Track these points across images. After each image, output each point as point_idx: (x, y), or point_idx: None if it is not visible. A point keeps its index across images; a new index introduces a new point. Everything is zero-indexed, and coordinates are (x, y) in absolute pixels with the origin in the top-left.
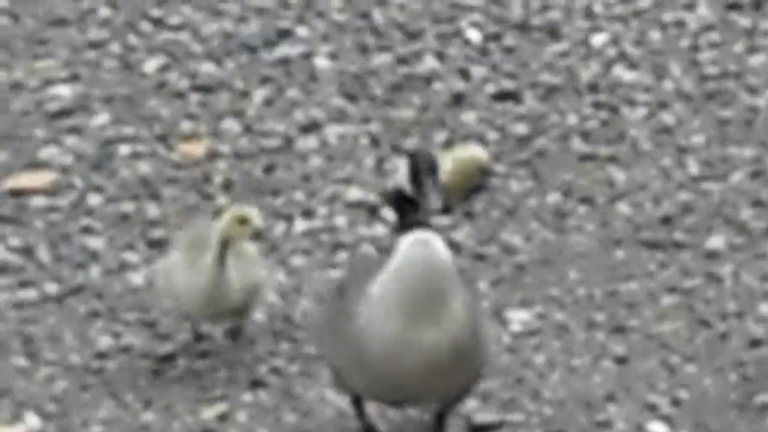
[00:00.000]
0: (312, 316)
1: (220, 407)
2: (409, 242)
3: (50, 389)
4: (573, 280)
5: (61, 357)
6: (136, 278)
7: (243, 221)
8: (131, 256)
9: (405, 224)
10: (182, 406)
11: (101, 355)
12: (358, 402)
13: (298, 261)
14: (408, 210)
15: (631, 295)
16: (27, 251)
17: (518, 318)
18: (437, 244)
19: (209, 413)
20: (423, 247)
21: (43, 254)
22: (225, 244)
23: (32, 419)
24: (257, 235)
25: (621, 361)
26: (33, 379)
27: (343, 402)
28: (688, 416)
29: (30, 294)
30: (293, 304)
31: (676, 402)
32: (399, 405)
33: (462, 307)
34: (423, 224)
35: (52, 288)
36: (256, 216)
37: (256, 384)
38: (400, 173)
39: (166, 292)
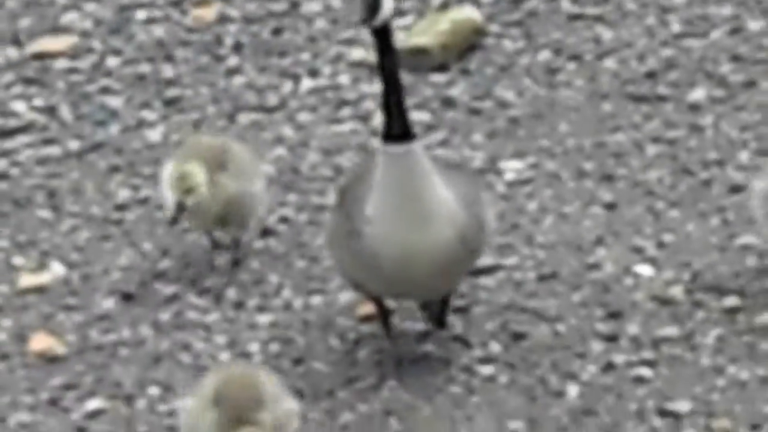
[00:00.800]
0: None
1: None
2: (389, 159)
3: (73, 239)
4: (563, 132)
5: (83, 209)
6: (153, 134)
7: (188, 190)
8: (148, 114)
9: (387, 134)
10: (197, 253)
11: (120, 207)
12: (384, 313)
13: (304, 117)
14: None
15: (618, 145)
16: (50, 110)
17: (512, 168)
18: (416, 155)
19: (222, 259)
20: (403, 162)
21: (65, 113)
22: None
23: (57, 267)
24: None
25: (609, 207)
26: (57, 230)
27: None
28: (673, 258)
29: (53, 150)
30: (300, 157)
31: (661, 245)
32: (415, 299)
33: (457, 201)
34: (402, 135)
35: (74, 144)
36: (196, 181)
37: (266, 232)
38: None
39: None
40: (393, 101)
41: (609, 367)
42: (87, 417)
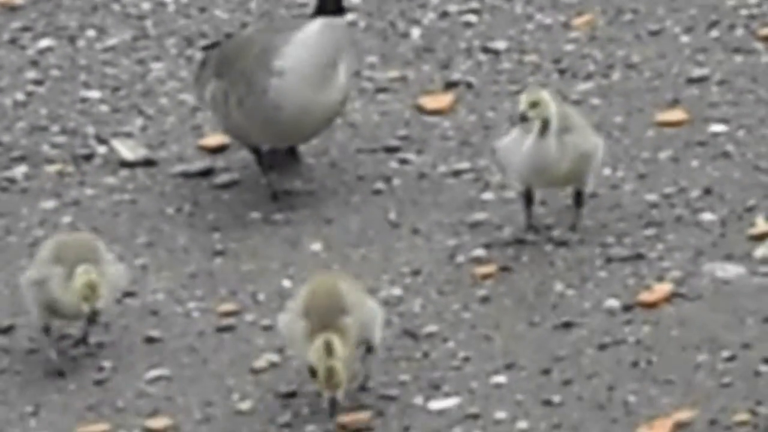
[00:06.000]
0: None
1: None
2: (323, 22)
3: None
4: None
5: None
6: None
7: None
8: None
9: (319, 8)
10: None
11: None
12: (259, 155)
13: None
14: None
15: None
16: None
17: None
18: (345, 28)
19: None
20: (335, 26)
21: None
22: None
23: None
24: None
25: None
26: None
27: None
28: None
29: None
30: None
31: None
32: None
33: (344, 71)
34: (336, 11)
35: None
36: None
37: None
38: None
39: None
40: None
41: (444, 14)
42: (39, 52)
